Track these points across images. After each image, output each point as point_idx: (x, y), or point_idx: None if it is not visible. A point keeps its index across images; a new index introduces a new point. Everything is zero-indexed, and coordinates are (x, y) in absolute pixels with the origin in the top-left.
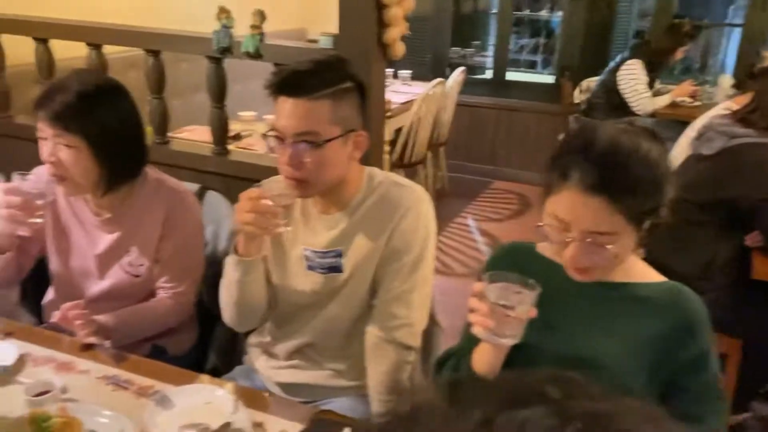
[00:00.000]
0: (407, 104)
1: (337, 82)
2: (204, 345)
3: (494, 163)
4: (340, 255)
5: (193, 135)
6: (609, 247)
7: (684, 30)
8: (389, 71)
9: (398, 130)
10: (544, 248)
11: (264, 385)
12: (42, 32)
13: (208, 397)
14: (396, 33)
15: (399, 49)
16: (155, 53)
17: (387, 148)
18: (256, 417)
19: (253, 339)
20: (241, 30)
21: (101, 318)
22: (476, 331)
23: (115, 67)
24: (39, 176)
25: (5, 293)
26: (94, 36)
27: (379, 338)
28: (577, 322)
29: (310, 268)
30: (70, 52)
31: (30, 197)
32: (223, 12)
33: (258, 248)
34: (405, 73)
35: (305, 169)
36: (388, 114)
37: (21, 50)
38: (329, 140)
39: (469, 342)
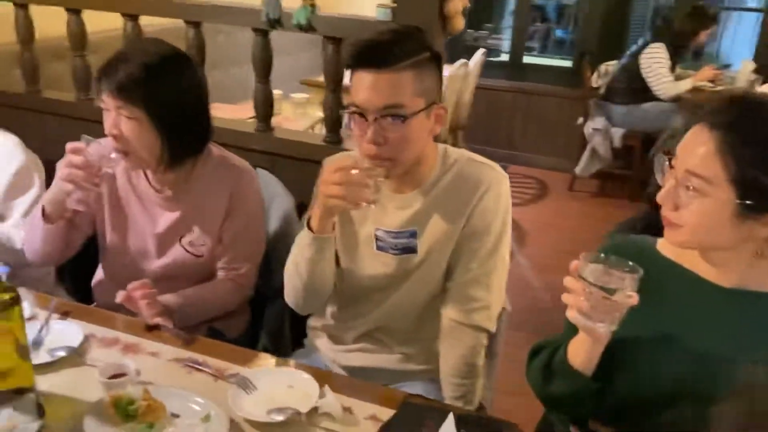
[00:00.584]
0: None
1: (418, 52)
2: (255, 327)
3: (512, 148)
4: (414, 235)
5: (218, 113)
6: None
7: (708, 13)
8: None
9: None
10: (664, 246)
11: (328, 368)
12: (75, 2)
13: (290, 380)
14: (459, 4)
15: (459, 23)
16: (196, 24)
17: None
18: (343, 402)
19: (314, 322)
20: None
21: (165, 298)
22: (570, 314)
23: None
24: (104, 147)
25: (47, 271)
26: (132, 6)
27: (456, 321)
28: (710, 333)
29: (381, 249)
30: (102, 25)
31: (93, 161)
32: None
33: (333, 225)
34: None
35: (389, 145)
36: None
37: (51, 23)
38: (415, 113)
39: (569, 333)
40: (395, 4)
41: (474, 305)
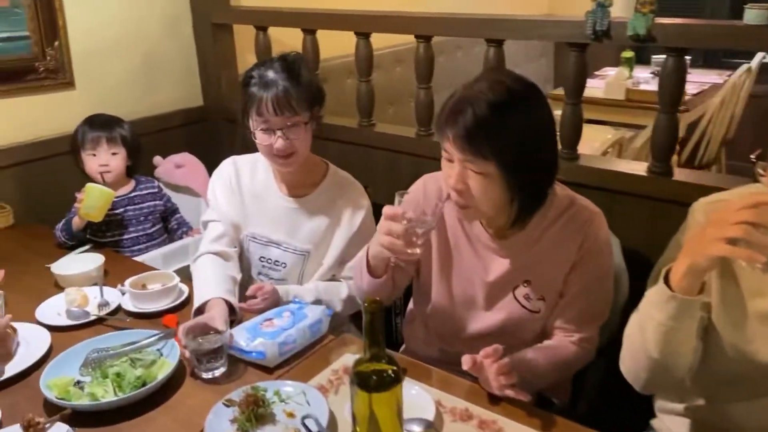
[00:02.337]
0: (699, 95)
1: None
2: (575, 390)
3: None
4: None
5: None
6: None
7: None
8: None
9: (690, 126)
10: None
11: None
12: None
13: None
14: None
15: None
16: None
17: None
18: None
19: (666, 403)
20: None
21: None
22: None
23: (383, 61)
24: (421, 193)
25: None
26: (422, 27)
27: None
28: None
29: None
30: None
31: (412, 226)
32: None
33: (700, 286)
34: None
35: None
36: (682, 107)
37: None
38: None
39: None
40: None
41: None
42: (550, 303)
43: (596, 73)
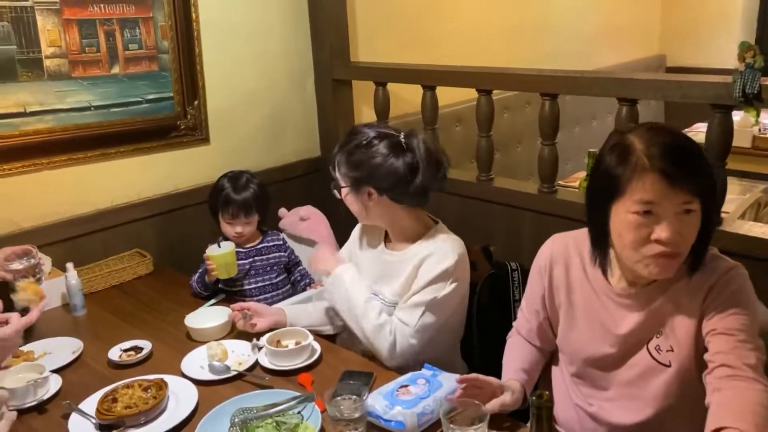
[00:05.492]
0: None
1: None
2: None
3: None
4: None
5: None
6: None
7: None
8: None
9: None
10: None
11: None
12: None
13: None
14: None
15: None
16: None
17: None
18: None
19: None
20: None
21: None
22: None
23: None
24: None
25: None
26: (548, 85)
27: None
28: None
29: None
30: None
31: None
32: (750, 49)
33: None
34: None
35: None
36: None
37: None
38: None
39: None
40: None
41: None
42: (681, 356)
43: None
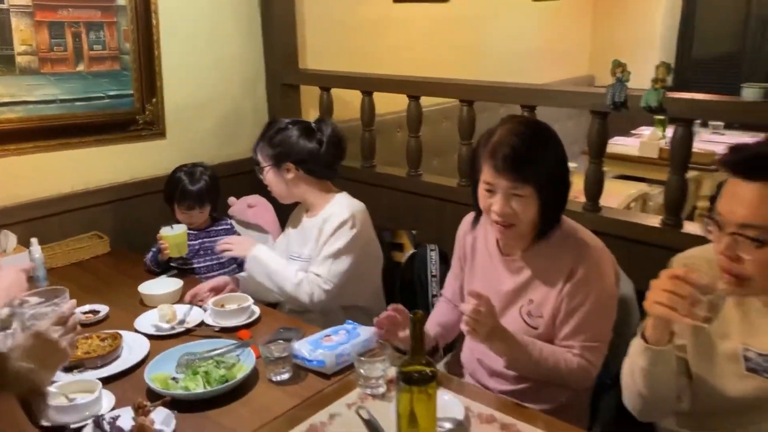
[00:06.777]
0: None
1: None
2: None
3: None
4: None
5: None
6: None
7: None
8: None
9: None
10: None
11: None
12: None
13: None
14: None
15: None
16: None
17: None
18: None
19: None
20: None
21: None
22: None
23: (430, 117)
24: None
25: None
26: (465, 92)
27: None
28: None
29: (752, 370)
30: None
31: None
32: (619, 66)
33: (668, 336)
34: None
35: (745, 265)
36: (713, 167)
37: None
38: None
39: None
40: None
41: None
42: (547, 322)
43: (632, 132)
